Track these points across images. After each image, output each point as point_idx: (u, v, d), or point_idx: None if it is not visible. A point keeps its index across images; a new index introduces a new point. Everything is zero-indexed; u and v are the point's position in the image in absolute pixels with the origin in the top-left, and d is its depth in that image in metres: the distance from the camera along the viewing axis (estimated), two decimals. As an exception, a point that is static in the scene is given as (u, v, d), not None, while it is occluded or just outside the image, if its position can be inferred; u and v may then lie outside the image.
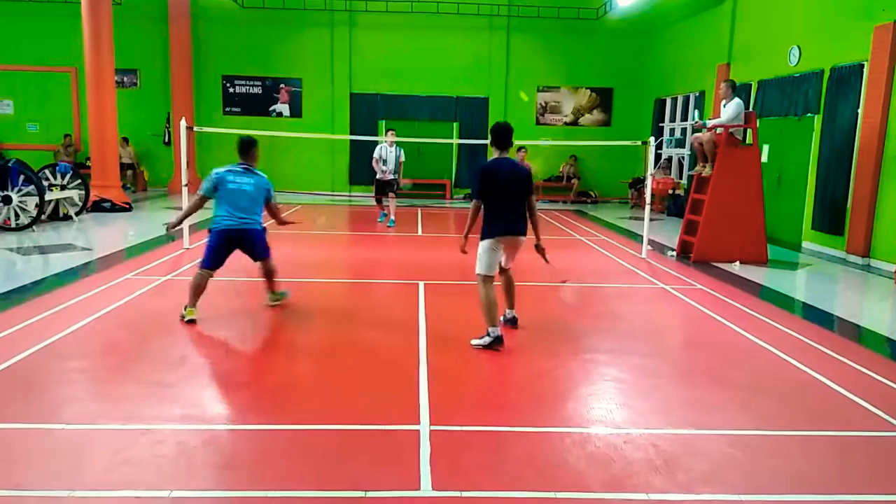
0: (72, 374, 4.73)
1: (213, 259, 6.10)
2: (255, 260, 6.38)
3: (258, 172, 6.27)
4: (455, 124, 18.96)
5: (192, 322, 5.91)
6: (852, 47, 10.19)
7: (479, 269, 5.52)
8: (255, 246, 6.27)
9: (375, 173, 12.69)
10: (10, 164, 11.05)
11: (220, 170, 6.17)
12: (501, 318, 5.93)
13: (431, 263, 9.51)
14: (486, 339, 5.37)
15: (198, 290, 6.01)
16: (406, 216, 14.50)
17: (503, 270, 5.83)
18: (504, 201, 5.44)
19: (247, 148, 6.29)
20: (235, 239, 6.12)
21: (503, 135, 5.55)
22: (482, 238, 5.50)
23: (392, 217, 12.70)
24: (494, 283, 5.60)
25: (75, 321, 5.86)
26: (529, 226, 5.61)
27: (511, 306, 6.06)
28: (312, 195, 17.32)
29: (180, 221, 6.73)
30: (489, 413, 4.29)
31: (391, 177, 12.52)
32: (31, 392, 4.33)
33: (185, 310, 5.97)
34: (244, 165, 6.21)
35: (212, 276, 6.11)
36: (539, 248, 5.78)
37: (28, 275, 7.91)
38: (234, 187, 6.05)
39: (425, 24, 18.24)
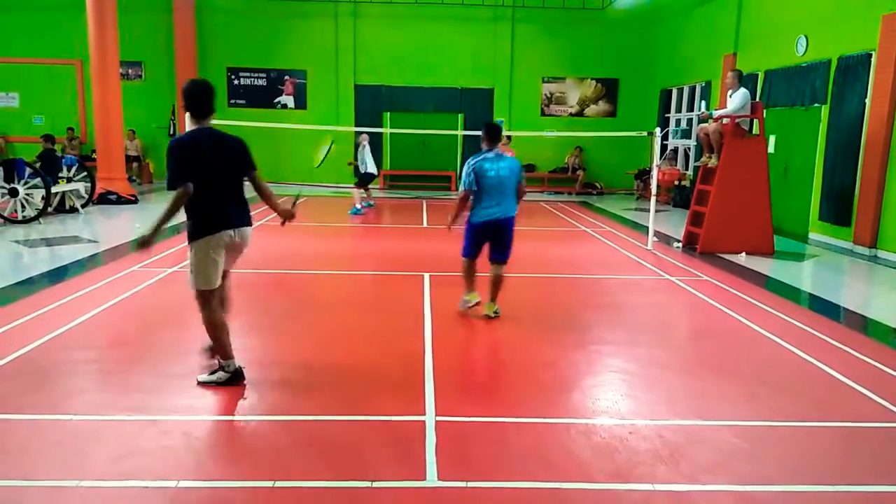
0: (79, 365, 4.76)
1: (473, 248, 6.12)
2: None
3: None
4: (460, 115, 18.92)
5: (478, 304, 6.14)
6: (860, 37, 10.11)
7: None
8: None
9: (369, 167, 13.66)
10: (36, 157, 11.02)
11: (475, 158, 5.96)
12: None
13: (436, 255, 9.50)
14: None
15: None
16: (411, 208, 14.51)
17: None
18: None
19: (497, 132, 6.05)
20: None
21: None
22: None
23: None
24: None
25: (82, 313, 5.88)
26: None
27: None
28: (317, 187, 17.31)
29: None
30: (494, 404, 4.29)
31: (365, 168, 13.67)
32: (38, 383, 4.35)
33: (466, 296, 6.15)
34: (496, 151, 5.99)
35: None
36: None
37: (35, 267, 7.95)
38: (493, 174, 5.85)
39: (430, 14, 18.18)
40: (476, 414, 4.07)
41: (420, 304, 6.57)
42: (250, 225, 4.45)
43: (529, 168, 18.34)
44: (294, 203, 4.74)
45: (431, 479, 3.28)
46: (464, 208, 6.05)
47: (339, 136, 18.37)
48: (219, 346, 4.41)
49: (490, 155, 5.90)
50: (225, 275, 4.49)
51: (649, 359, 5.19)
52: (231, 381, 4.39)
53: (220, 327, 4.40)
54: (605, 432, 3.86)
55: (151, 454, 3.46)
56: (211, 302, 4.36)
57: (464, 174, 5.90)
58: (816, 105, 11.22)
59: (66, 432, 3.71)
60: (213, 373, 4.43)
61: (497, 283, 6.09)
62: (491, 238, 6.00)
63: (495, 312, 6.07)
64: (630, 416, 4.09)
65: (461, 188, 5.96)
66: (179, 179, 4.10)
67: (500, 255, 6.05)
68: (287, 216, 4.61)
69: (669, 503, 3.17)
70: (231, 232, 4.28)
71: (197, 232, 4.23)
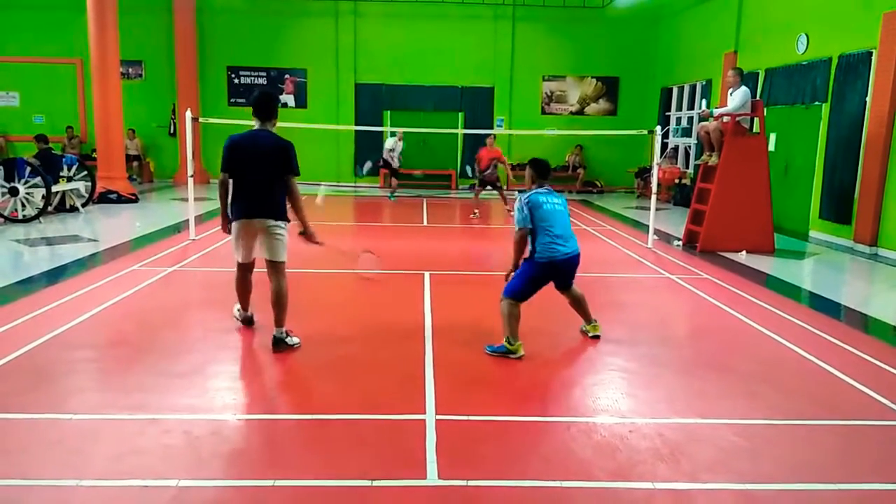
0: (79, 364, 4.76)
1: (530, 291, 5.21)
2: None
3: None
4: (460, 114, 18.91)
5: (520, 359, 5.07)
6: (861, 35, 10.10)
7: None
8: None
9: (381, 162, 15.68)
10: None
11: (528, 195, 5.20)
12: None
13: (437, 254, 9.51)
14: None
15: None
16: (411, 207, 14.52)
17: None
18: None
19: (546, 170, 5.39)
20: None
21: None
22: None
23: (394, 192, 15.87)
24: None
25: (82, 312, 5.88)
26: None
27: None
28: (318, 186, 17.27)
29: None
30: (494, 403, 4.29)
31: (398, 164, 15.64)
32: (38, 382, 4.35)
33: (511, 345, 5.06)
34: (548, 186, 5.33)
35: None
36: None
37: (35, 266, 7.94)
38: (549, 208, 5.17)
39: (430, 13, 18.17)
40: (476, 413, 4.07)
41: (420, 302, 6.57)
42: (273, 218, 5.05)
43: (530, 167, 18.31)
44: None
45: (432, 478, 3.28)
46: (522, 251, 5.21)
47: (339, 135, 18.44)
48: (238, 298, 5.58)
49: (541, 191, 5.24)
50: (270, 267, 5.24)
51: (649, 357, 5.18)
52: (245, 322, 5.66)
53: (237, 288, 5.51)
54: (605, 431, 3.86)
55: (152, 453, 3.46)
56: (239, 271, 5.40)
57: (516, 212, 5.11)
58: (817, 103, 11.21)
59: (65, 431, 3.71)
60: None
61: (580, 302, 5.53)
62: (556, 278, 5.30)
63: (595, 330, 5.57)
64: (630, 415, 4.09)
65: (516, 228, 5.14)
66: (222, 170, 5.11)
67: (566, 285, 5.45)
68: (310, 238, 5.27)
69: (670, 501, 3.17)
70: (246, 221, 5.06)
71: (228, 216, 5.21)
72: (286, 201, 5.12)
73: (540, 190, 5.26)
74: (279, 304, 5.14)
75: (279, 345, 5.08)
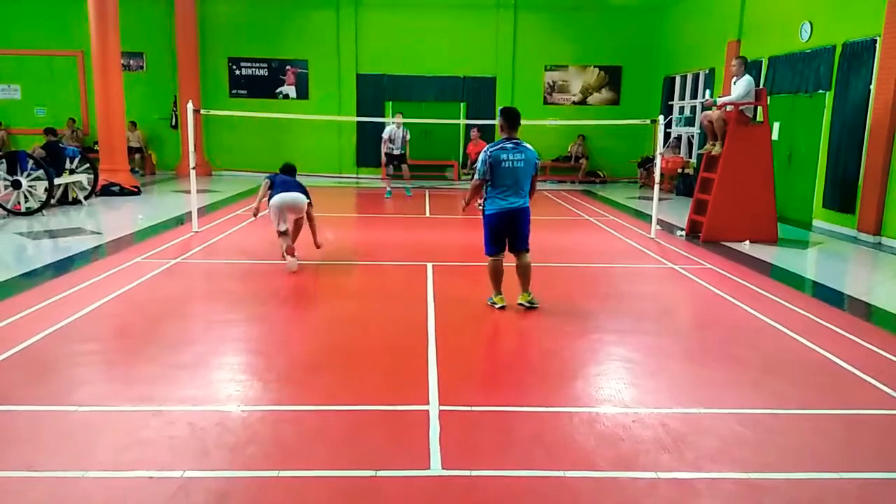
0: (83, 356, 4.78)
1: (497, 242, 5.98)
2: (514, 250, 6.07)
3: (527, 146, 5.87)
4: (462, 104, 18.84)
5: (503, 309, 5.93)
6: (865, 22, 10.03)
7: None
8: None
9: (383, 152, 14.45)
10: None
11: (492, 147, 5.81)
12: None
13: (439, 245, 9.51)
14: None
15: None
16: (414, 198, 14.50)
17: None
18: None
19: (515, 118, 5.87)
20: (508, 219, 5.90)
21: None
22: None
23: (408, 186, 14.93)
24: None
25: (86, 304, 5.90)
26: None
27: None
28: (319, 177, 17.28)
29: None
30: (498, 393, 4.30)
31: (399, 152, 14.28)
32: (43, 375, 4.37)
33: (494, 297, 5.98)
34: (515, 140, 5.82)
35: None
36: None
37: (39, 259, 7.96)
38: (507, 166, 5.73)
39: (431, 3, 18.08)
40: (480, 403, 4.08)
41: (423, 293, 6.57)
42: (299, 193, 7.42)
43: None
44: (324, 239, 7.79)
45: (436, 468, 3.29)
46: (476, 194, 6.14)
47: (341, 126, 18.40)
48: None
49: (508, 145, 5.75)
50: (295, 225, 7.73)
51: (652, 347, 5.18)
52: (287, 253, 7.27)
53: (281, 241, 7.38)
54: (608, 421, 3.87)
55: (156, 444, 3.48)
56: (280, 237, 7.36)
57: (479, 161, 5.84)
58: (821, 91, 11.16)
59: (70, 423, 3.73)
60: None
61: (524, 272, 6.03)
62: (507, 229, 5.90)
63: (530, 303, 5.98)
64: (633, 405, 4.10)
65: (476, 176, 5.97)
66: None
67: (520, 243, 5.98)
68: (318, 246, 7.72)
69: (673, 491, 3.17)
70: (281, 198, 7.31)
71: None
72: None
73: (506, 144, 5.74)
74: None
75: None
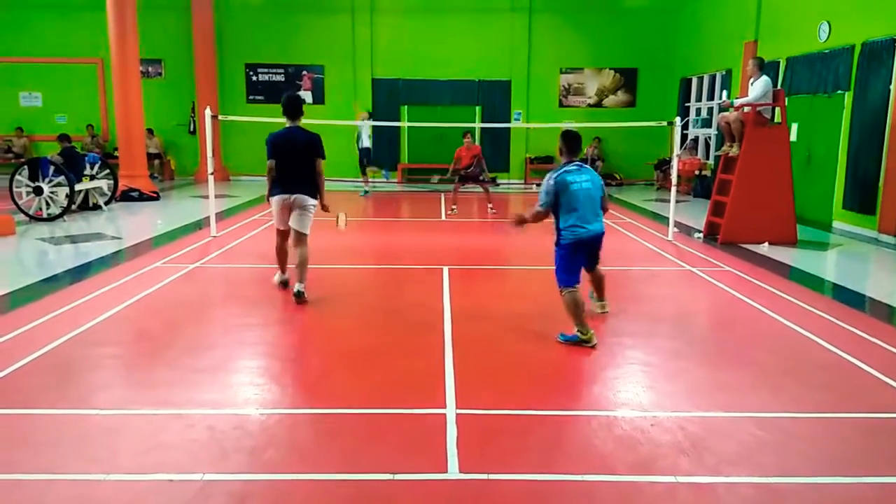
0: (104, 360, 4.83)
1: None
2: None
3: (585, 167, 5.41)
4: (478, 108, 18.85)
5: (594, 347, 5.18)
6: (885, 21, 9.91)
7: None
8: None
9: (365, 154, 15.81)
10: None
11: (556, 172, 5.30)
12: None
13: (455, 249, 9.51)
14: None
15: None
16: (429, 202, 14.52)
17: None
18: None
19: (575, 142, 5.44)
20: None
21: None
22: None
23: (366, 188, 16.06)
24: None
25: (107, 309, 5.97)
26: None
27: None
28: (336, 181, 17.34)
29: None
30: (515, 397, 4.28)
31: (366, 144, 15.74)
32: (65, 379, 4.43)
33: (583, 334, 5.20)
34: (577, 163, 5.36)
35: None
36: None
37: (60, 264, 8.06)
38: (577, 187, 5.23)
39: (446, 7, 18.12)
40: (497, 407, 4.07)
41: (440, 297, 6.58)
42: (307, 195, 6.35)
43: (548, 160, 18.26)
44: (337, 219, 7.26)
45: (453, 472, 3.29)
46: (536, 222, 5.49)
47: (357, 130, 18.44)
48: (277, 262, 6.80)
49: (571, 167, 5.28)
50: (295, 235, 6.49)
51: (671, 350, 5.15)
52: (282, 284, 6.79)
53: (277, 254, 6.75)
54: (626, 424, 3.85)
55: (177, 448, 3.51)
56: (278, 238, 6.67)
57: (542, 191, 5.27)
58: (840, 92, 11.04)
59: (92, 426, 3.77)
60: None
61: (599, 282, 5.94)
62: (586, 256, 5.47)
63: (603, 308, 6.00)
64: (652, 408, 4.07)
65: (538, 206, 5.31)
66: (268, 158, 6.36)
67: (594, 265, 5.80)
68: (324, 208, 6.54)
69: (692, 495, 3.15)
70: (285, 196, 6.33)
71: (270, 193, 6.44)
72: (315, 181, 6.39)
73: (569, 167, 5.28)
74: (302, 265, 6.31)
75: (300, 297, 6.22)
